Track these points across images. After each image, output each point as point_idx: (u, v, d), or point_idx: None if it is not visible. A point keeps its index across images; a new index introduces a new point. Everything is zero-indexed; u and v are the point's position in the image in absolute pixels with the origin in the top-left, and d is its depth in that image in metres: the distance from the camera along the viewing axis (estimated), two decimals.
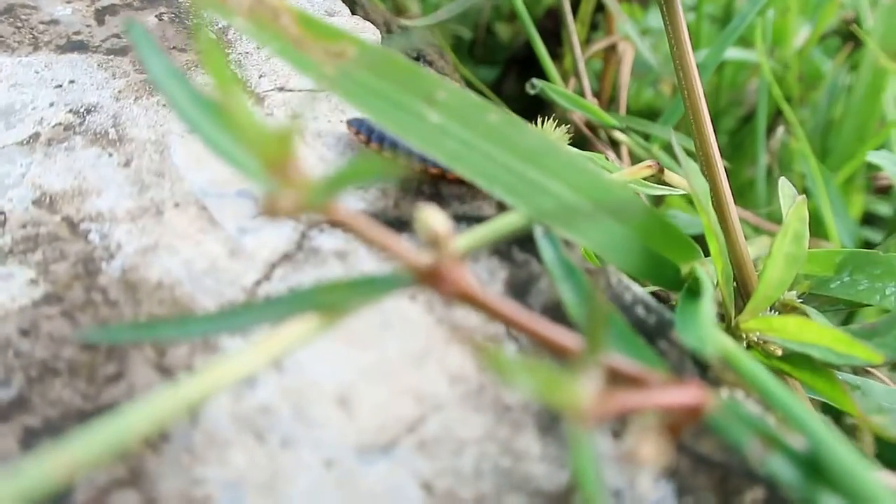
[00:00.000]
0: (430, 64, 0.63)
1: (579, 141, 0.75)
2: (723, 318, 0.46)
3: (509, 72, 0.94)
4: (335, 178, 0.25)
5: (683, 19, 0.46)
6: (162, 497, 0.32)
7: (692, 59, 0.46)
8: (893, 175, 0.59)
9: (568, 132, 0.51)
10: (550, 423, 0.34)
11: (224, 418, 0.34)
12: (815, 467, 0.28)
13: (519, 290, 0.38)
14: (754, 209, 0.77)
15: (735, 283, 0.50)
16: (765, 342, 0.44)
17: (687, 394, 0.29)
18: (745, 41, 0.83)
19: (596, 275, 0.39)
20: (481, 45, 0.96)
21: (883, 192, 0.65)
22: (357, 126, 0.44)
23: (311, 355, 0.35)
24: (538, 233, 0.38)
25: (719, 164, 0.47)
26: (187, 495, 0.32)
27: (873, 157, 0.60)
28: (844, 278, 0.48)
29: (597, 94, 0.80)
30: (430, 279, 0.29)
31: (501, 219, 0.37)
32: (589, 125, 0.74)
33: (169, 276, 0.38)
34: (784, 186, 0.50)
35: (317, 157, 0.43)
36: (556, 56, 0.83)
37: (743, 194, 0.83)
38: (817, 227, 0.70)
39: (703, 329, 0.31)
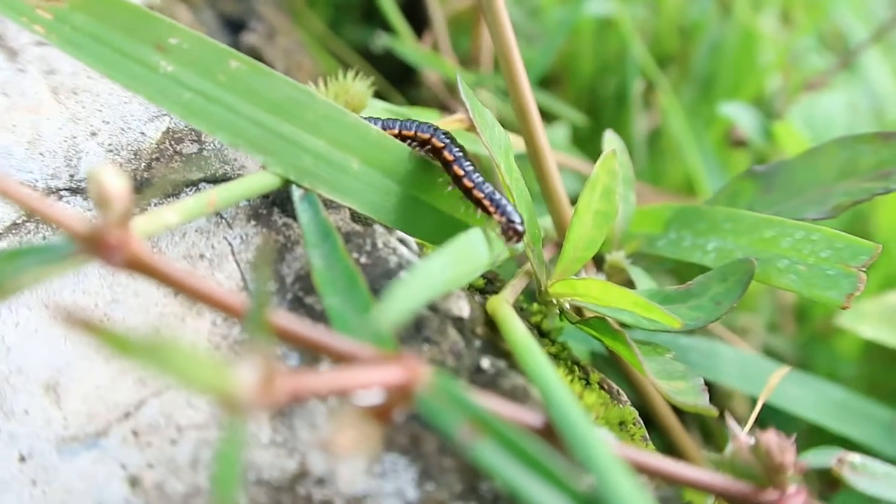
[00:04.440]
0: (261, 20, 0.58)
1: (441, 105, 0.71)
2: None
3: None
4: None
5: None
6: None
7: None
8: (747, 127, 0.56)
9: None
10: None
11: None
12: (530, 458, 0.25)
13: (273, 256, 0.34)
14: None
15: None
16: (577, 308, 0.41)
17: (392, 372, 0.25)
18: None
19: (360, 237, 0.35)
20: (364, 6, 0.92)
21: (740, 145, 0.63)
22: None
23: (24, 336, 0.31)
24: (296, 194, 0.34)
25: (535, 116, 0.43)
26: None
27: (726, 109, 0.57)
28: (671, 235, 0.45)
29: (468, 57, 0.76)
30: (96, 248, 0.25)
31: (244, 181, 0.33)
32: (449, 87, 0.70)
33: None
34: (610, 139, 0.46)
35: None
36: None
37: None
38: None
39: (396, 296, 0.27)
